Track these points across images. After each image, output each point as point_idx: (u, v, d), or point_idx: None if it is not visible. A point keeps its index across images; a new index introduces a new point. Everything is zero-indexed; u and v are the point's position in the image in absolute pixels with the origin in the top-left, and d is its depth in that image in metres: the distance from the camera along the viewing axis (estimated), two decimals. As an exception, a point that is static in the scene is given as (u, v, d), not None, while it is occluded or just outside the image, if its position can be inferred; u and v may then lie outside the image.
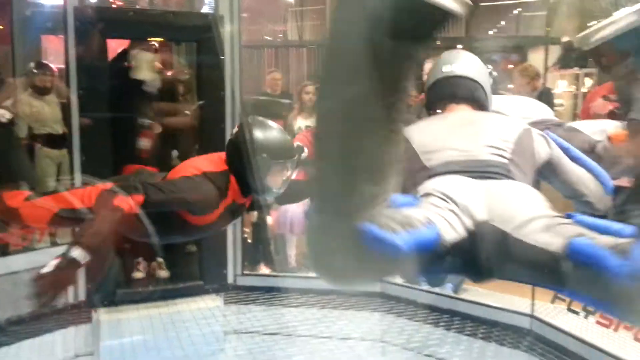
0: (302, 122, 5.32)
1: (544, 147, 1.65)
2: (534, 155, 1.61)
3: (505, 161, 1.51)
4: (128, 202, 2.20)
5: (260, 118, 2.51)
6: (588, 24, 1.87)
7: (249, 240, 4.84)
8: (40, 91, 4.67)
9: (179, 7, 4.37)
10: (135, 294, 4.33)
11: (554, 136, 1.76)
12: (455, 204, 1.31)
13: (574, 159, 1.73)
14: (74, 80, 3.99)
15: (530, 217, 1.27)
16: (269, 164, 2.36)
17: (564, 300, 3.82)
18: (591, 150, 1.96)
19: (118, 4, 4.27)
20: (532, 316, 3.88)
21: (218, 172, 2.40)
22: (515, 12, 10.74)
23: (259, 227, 4.84)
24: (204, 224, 2.46)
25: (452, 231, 1.25)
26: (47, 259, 3.95)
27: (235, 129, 2.52)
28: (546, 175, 1.70)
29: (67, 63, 4.04)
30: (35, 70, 4.72)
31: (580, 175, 1.72)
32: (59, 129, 4.68)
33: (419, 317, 4.14)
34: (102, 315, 4.08)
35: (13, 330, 3.80)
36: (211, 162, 2.47)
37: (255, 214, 4.81)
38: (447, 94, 1.82)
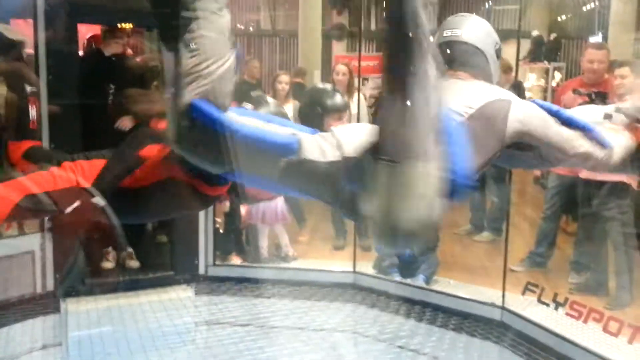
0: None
1: (520, 119, 1.63)
2: (503, 124, 1.61)
3: (454, 123, 1.51)
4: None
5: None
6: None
7: (221, 231, 4.80)
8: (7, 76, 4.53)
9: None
10: (104, 284, 4.28)
11: (541, 102, 1.76)
12: (336, 140, 1.47)
13: (566, 121, 1.72)
14: (43, 65, 3.88)
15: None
16: None
17: (534, 292, 3.90)
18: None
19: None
20: (502, 308, 3.94)
21: None
22: (487, 5, 10.84)
23: (231, 217, 4.80)
24: (215, 195, 2.42)
25: (316, 153, 1.43)
26: (15, 249, 3.92)
27: None
28: (532, 143, 1.71)
29: (36, 48, 3.93)
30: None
31: (570, 134, 1.72)
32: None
33: (391, 309, 4.17)
34: (71, 305, 4.03)
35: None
36: None
37: (227, 204, 4.77)
38: (445, 59, 1.76)
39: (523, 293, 3.92)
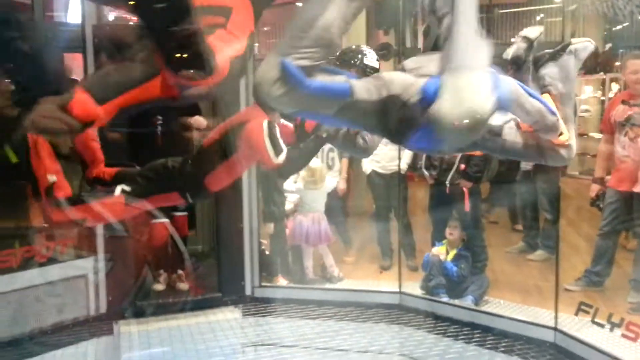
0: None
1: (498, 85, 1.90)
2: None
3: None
4: None
5: None
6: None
7: (267, 252, 4.85)
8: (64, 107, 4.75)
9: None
10: (156, 305, 4.39)
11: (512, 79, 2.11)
12: (382, 79, 1.85)
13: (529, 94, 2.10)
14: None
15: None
16: None
17: (588, 312, 3.74)
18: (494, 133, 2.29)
19: (134, 21, 4.33)
20: (555, 329, 3.79)
21: None
22: (538, 18, 10.62)
23: (276, 238, 4.84)
24: None
25: (364, 92, 1.78)
26: (69, 272, 4.08)
27: None
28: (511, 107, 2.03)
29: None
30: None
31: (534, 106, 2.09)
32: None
33: (439, 330, 4.07)
34: (123, 327, 4.14)
35: (36, 342, 3.86)
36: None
37: (272, 225, 4.82)
38: None
39: (576, 313, 3.76)
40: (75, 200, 2.95)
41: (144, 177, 2.78)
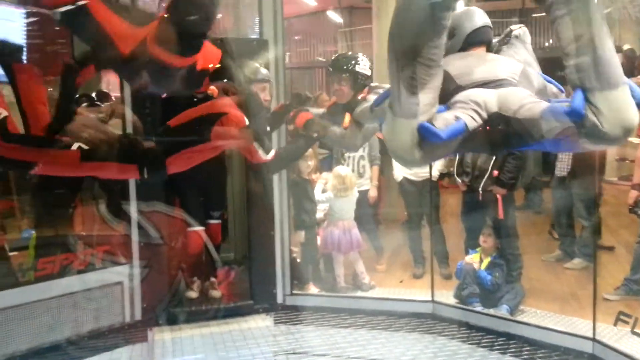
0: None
1: (537, 79, 2.26)
2: (532, 83, 2.20)
3: (515, 81, 2.15)
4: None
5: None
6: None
7: (298, 260, 4.86)
8: (102, 118, 4.86)
9: (226, 34, 4.48)
10: (189, 313, 4.44)
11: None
12: (477, 103, 1.99)
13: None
14: (128, 107, 4.16)
15: (523, 103, 1.95)
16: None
17: (627, 322, 3.63)
18: None
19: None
20: (594, 339, 3.69)
21: None
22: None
23: (307, 246, 4.85)
24: None
25: (473, 121, 1.92)
26: (106, 279, 4.16)
27: None
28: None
29: (121, 91, 4.22)
30: (95, 99, 4.94)
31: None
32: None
33: (473, 340, 4.01)
34: (157, 334, 4.20)
35: (73, 349, 3.94)
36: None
37: (302, 234, 4.83)
38: (480, 39, 2.47)
39: (615, 324, 3.65)
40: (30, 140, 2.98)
41: (105, 142, 2.86)
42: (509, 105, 1.99)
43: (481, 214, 4.52)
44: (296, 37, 12.36)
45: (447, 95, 2.14)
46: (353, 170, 5.18)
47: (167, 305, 4.39)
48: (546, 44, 10.86)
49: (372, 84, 3.30)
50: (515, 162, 4.32)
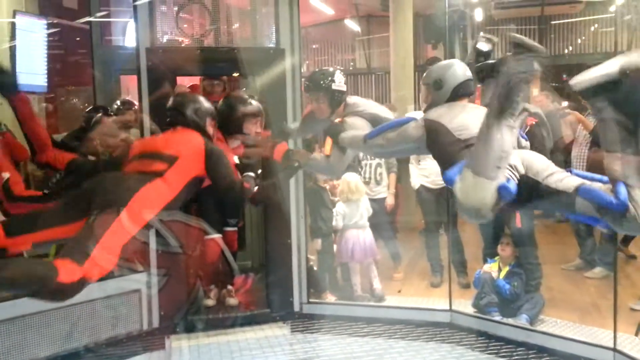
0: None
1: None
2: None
3: None
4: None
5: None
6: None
7: (315, 268, 4.85)
8: (126, 126, 4.92)
9: (244, 43, 4.52)
10: (207, 321, 4.45)
11: None
12: (510, 165, 2.13)
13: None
14: (146, 116, 4.21)
15: (550, 172, 2.17)
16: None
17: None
18: None
19: (186, 43, 4.47)
20: (615, 350, 3.62)
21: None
22: (592, 29, 10.34)
23: (324, 254, 4.85)
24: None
25: (513, 182, 2.10)
26: (124, 287, 4.19)
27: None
28: None
29: (140, 100, 4.27)
30: (120, 107, 5.00)
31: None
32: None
33: (491, 350, 3.96)
34: (175, 341, 4.22)
35: (90, 356, 3.97)
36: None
37: (319, 241, 4.82)
38: (465, 92, 2.72)
39: (636, 334, 3.59)
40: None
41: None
42: (535, 169, 2.20)
43: (499, 222, 4.48)
44: (314, 46, 12.41)
45: (450, 148, 2.41)
46: (370, 178, 5.18)
47: (185, 313, 4.41)
48: (566, 51, 10.77)
49: (349, 100, 3.35)
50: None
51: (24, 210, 3.35)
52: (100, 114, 4.60)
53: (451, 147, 2.43)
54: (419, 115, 2.75)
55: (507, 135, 1.96)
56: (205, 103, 3.07)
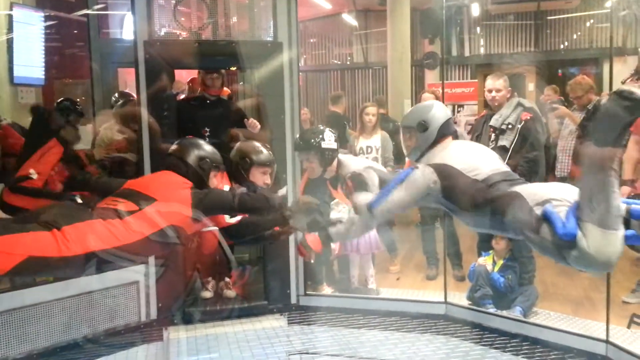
0: (364, 143, 5.35)
1: None
2: None
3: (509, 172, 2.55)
4: None
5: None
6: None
7: (312, 261, 4.87)
8: (124, 120, 4.93)
9: (241, 37, 4.53)
10: (204, 312, 4.49)
11: None
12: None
13: None
14: (144, 109, 4.22)
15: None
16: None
17: (641, 325, 3.62)
18: None
19: (184, 36, 4.48)
20: (607, 342, 3.67)
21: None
22: (588, 24, 10.37)
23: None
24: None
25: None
26: (122, 279, 4.21)
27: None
28: None
29: (138, 93, 4.29)
30: (118, 100, 5.00)
31: None
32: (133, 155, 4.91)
33: (485, 342, 4.01)
34: (172, 333, 4.25)
35: (89, 347, 4.00)
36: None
37: (316, 234, 4.84)
38: (449, 130, 2.74)
39: (629, 326, 3.64)
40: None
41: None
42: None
43: (493, 216, 4.50)
44: (311, 40, 12.41)
45: (471, 191, 2.38)
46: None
47: (182, 305, 4.44)
48: (561, 46, 10.79)
49: (341, 158, 3.38)
50: (527, 165, 4.31)
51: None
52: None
53: (472, 189, 2.39)
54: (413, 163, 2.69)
55: (614, 178, 1.88)
56: (212, 153, 2.85)
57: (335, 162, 3.41)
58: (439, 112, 2.73)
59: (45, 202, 3.23)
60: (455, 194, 2.46)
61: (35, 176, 3.54)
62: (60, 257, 2.18)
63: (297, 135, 3.80)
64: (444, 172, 2.49)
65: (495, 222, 2.39)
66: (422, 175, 2.50)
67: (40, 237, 2.19)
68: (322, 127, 3.47)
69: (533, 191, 2.25)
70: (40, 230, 2.21)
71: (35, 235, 2.19)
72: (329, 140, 3.33)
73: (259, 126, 4.47)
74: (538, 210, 2.13)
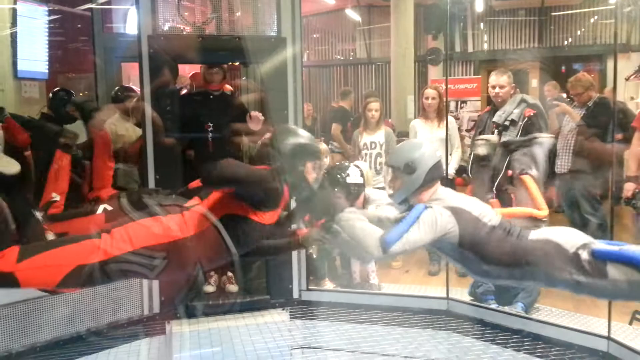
0: (368, 139, 5.35)
1: None
2: None
3: None
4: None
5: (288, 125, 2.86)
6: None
7: (314, 256, 4.89)
8: (127, 113, 4.94)
9: (245, 32, 4.53)
10: (207, 306, 4.50)
11: None
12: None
13: None
14: (148, 103, 4.23)
15: None
16: (304, 156, 2.53)
17: (643, 321, 3.62)
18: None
19: (188, 31, 4.48)
20: (609, 338, 3.68)
21: (270, 169, 2.47)
22: (592, 20, 10.33)
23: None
24: (268, 225, 2.49)
25: None
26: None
27: (270, 136, 2.66)
28: None
29: (142, 88, 4.29)
30: (120, 95, 5.01)
31: None
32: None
33: (487, 337, 4.02)
34: (175, 327, 4.26)
35: (91, 340, 4.02)
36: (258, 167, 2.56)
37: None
38: (440, 174, 2.61)
39: (630, 322, 3.64)
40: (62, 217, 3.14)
41: None
42: None
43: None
44: (315, 35, 12.39)
45: (492, 239, 2.31)
46: (370, 168, 5.21)
47: (185, 299, 4.45)
48: (565, 43, 10.76)
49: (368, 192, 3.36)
50: (528, 160, 4.30)
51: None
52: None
53: (495, 238, 2.31)
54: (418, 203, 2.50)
55: None
56: (309, 142, 2.59)
57: (362, 197, 3.41)
58: (428, 153, 2.56)
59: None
60: (476, 243, 2.34)
61: (57, 198, 3.56)
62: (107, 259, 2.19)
63: (324, 171, 3.77)
64: (462, 216, 2.35)
65: (525, 273, 2.29)
66: (441, 218, 2.35)
67: (86, 245, 2.20)
68: (347, 164, 3.50)
69: (564, 238, 2.25)
70: (89, 239, 2.23)
71: (81, 243, 2.21)
72: (354, 175, 3.34)
73: (262, 119, 4.47)
74: (584, 255, 2.09)
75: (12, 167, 3.26)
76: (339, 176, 3.35)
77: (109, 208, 3.04)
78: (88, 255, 2.17)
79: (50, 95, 4.76)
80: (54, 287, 2.20)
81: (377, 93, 7.28)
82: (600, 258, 2.06)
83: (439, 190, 2.56)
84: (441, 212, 2.35)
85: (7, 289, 2.24)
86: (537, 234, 2.36)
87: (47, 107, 4.72)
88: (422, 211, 2.35)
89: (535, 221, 2.67)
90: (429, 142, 2.72)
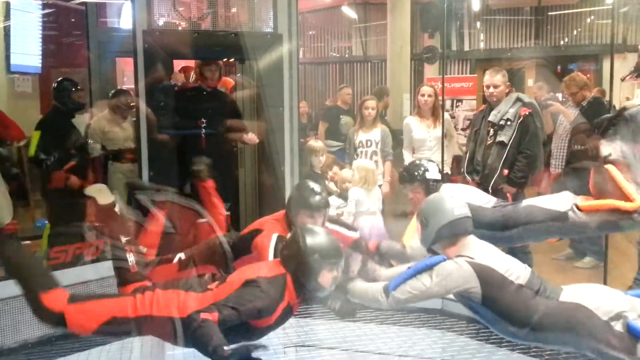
0: (364, 136, 5.33)
1: None
2: None
3: None
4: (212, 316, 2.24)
5: (310, 226, 2.69)
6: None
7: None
8: (121, 114, 4.93)
9: (241, 28, 4.51)
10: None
11: None
12: None
13: None
14: (142, 99, 4.20)
15: None
16: (320, 264, 2.46)
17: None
18: (562, 219, 2.74)
19: (183, 26, 4.45)
20: (602, 338, 3.68)
21: (278, 275, 2.48)
22: (588, 20, 10.34)
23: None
24: (264, 326, 2.55)
25: None
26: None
27: (289, 235, 2.65)
28: None
29: (136, 83, 4.26)
30: (113, 98, 4.99)
31: None
32: (130, 145, 4.90)
33: (481, 336, 4.01)
34: (168, 324, 4.23)
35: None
36: (269, 267, 2.57)
37: (314, 228, 4.82)
38: (457, 231, 2.42)
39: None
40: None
41: None
42: None
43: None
44: (311, 32, 12.35)
45: (520, 299, 2.21)
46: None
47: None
48: (562, 42, 10.76)
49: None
50: (526, 160, 4.30)
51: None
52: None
53: (522, 300, 2.22)
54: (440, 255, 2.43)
55: None
56: (328, 248, 2.50)
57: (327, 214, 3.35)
58: (442, 211, 2.44)
59: None
60: (501, 306, 2.26)
61: None
62: (135, 317, 2.41)
63: (401, 168, 3.85)
64: (485, 274, 2.26)
65: (554, 337, 2.22)
66: (459, 273, 2.27)
67: (123, 299, 2.49)
68: (423, 161, 3.52)
69: (597, 302, 2.13)
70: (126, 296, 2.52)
71: (120, 298, 2.53)
72: (433, 171, 3.36)
73: (257, 141, 4.45)
74: (617, 326, 2.00)
75: (106, 197, 3.15)
76: (416, 173, 3.36)
77: (183, 257, 3.21)
78: (123, 309, 2.42)
79: (54, 86, 4.72)
80: (91, 332, 2.47)
81: (387, 90, 7.22)
82: (634, 335, 1.97)
83: (470, 245, 2.43)
84: (463, 268, 2.27)
85: (54, 327, 2.59)
86: (568, 294, 2.26)
87: (53, 98, 4.68)
88: (438, 262, 2.32)
89: (623, 215, 2.57)
90: (451, 198, 2.57)
